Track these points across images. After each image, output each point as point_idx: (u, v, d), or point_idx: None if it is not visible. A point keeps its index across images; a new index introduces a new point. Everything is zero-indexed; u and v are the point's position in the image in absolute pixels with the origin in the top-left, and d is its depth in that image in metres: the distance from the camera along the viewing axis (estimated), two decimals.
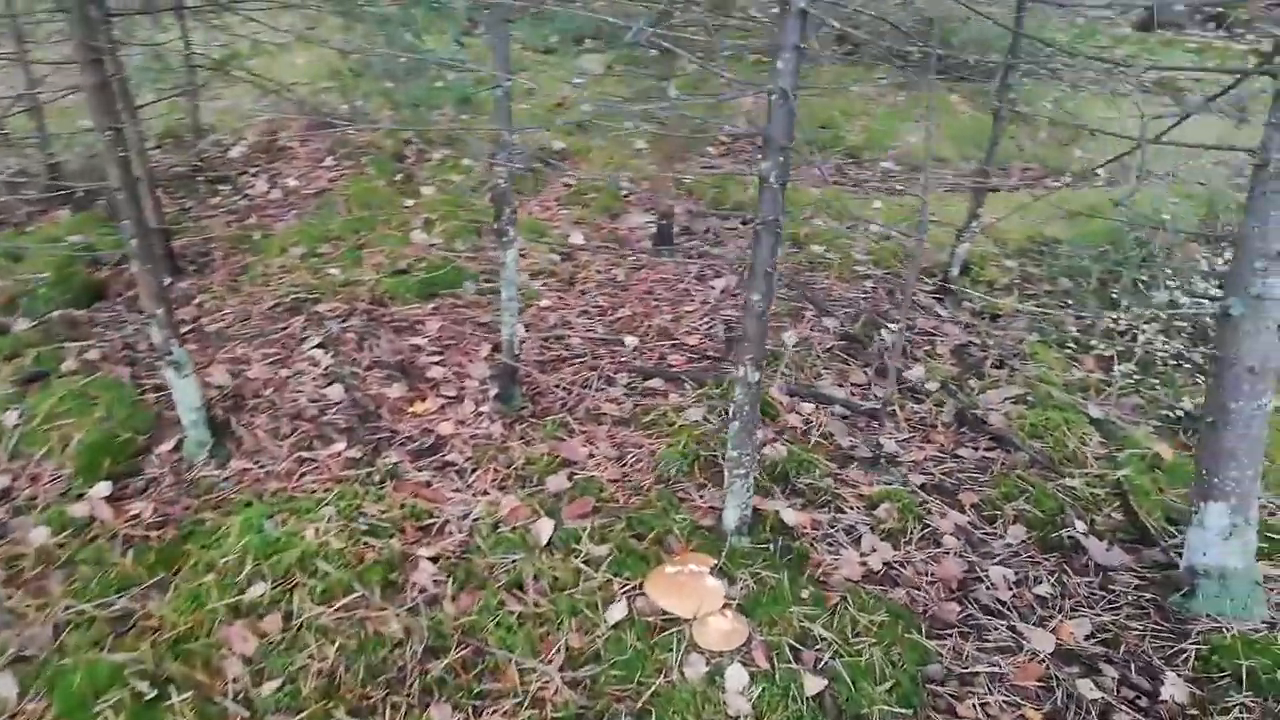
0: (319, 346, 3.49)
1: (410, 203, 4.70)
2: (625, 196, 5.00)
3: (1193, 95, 7.23)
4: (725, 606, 2.34)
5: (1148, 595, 2.54)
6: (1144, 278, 3.91)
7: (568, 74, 6.81)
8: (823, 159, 6.12)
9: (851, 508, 2.84)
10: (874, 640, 2.31)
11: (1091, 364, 3.82)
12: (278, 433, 3.07)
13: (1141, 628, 2.43)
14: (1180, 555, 2.65)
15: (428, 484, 2.88)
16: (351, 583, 2.43)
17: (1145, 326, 3.80)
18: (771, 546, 2.63)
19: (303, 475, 2.89)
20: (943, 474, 3.05)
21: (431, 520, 2.72)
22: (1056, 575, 2.64)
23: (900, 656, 2.28)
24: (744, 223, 4.77)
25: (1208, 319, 3.58)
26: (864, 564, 2.63)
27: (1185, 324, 3.77)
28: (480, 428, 3.17)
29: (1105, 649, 2.37)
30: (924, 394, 3.48)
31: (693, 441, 3.03)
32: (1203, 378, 3.61)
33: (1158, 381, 3.56)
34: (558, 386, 3.40)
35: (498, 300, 3.83)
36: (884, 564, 2.63)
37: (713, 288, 4.05)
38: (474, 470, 2.96)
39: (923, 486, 2.97)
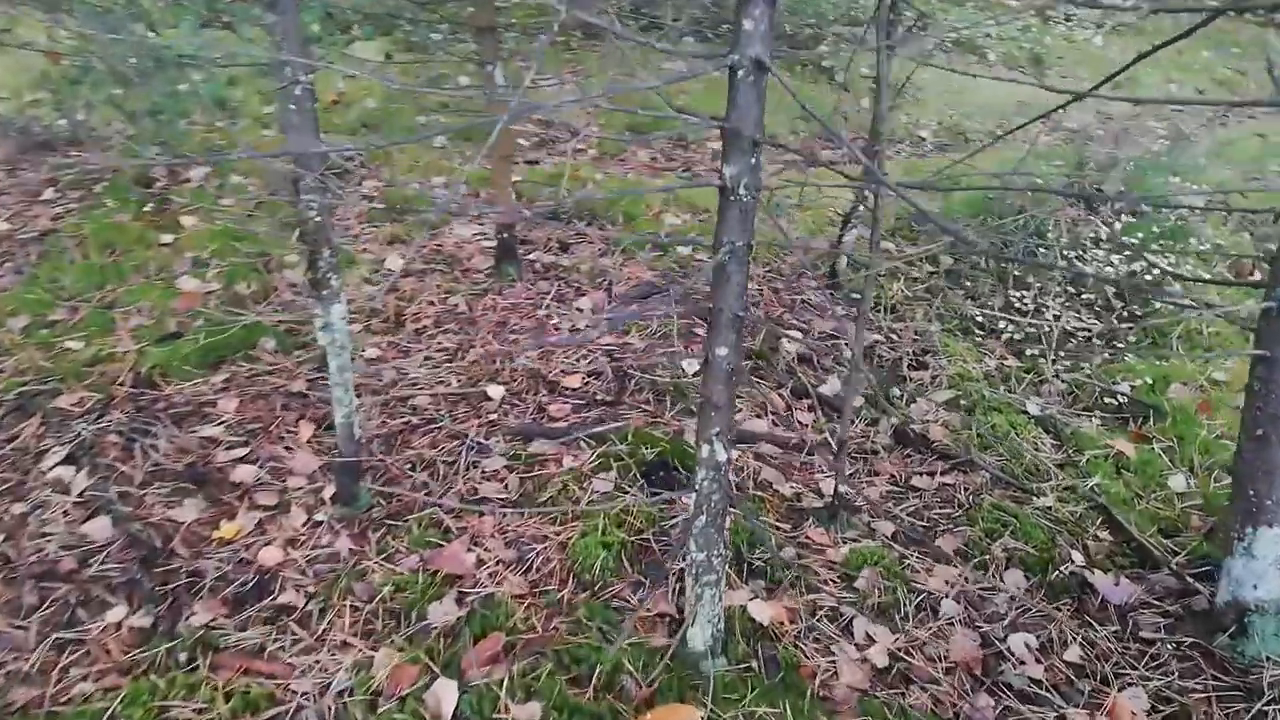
0: (66, 462, 2.51)
1: (169, 239, 3.68)
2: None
3: (989, 55, 7.29)
4: None
5: (1188, 640, 2.14)
6: (1041, 249, 3.61)
7: (339, 66, 5.84)
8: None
9: (826, 583, 2.27)
10: None
11: (1002, 350, 3.47)
12: (18, 607, 2.11)
13: (1202, 687, 2.01)
14: (1195, 579, 2.29)
15: (260, 650, 2.04)
16: None
17: (1051, 302, 3.50)
18: (755, 664, 2.01)
19: (65, 671, 1.96)
20: (909, 515, 2.55)
21: (277, 709, 1.89)
22: (1080, 631, 2.19)
23: None
24: (588, 224, 4.10)
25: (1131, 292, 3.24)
26: (865, 660, 2.07)
27: (1092, 295, 3.49)
28: (320, 546, 2.34)
29: None
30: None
31: (611, 523, 2.36)
32: (1131, 357, 3.33)
33: (1085, 365, 3.25)
34: (414, 468, 2.62)
35: (310, 360, 2.98)
36: (889, 656, 2.08)
37: (579, 309, 3.36)
38: (323, 614, 2.14)
39: (894, 537, 2.45)
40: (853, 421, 2.92)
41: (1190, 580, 2.29)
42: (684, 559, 1.86)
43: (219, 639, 2.05)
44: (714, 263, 1.56)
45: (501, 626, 2.09)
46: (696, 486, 1.79)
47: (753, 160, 1.50)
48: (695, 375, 2.99)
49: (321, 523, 2.40)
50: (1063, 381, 3.22)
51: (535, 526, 2.40)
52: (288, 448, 2.65)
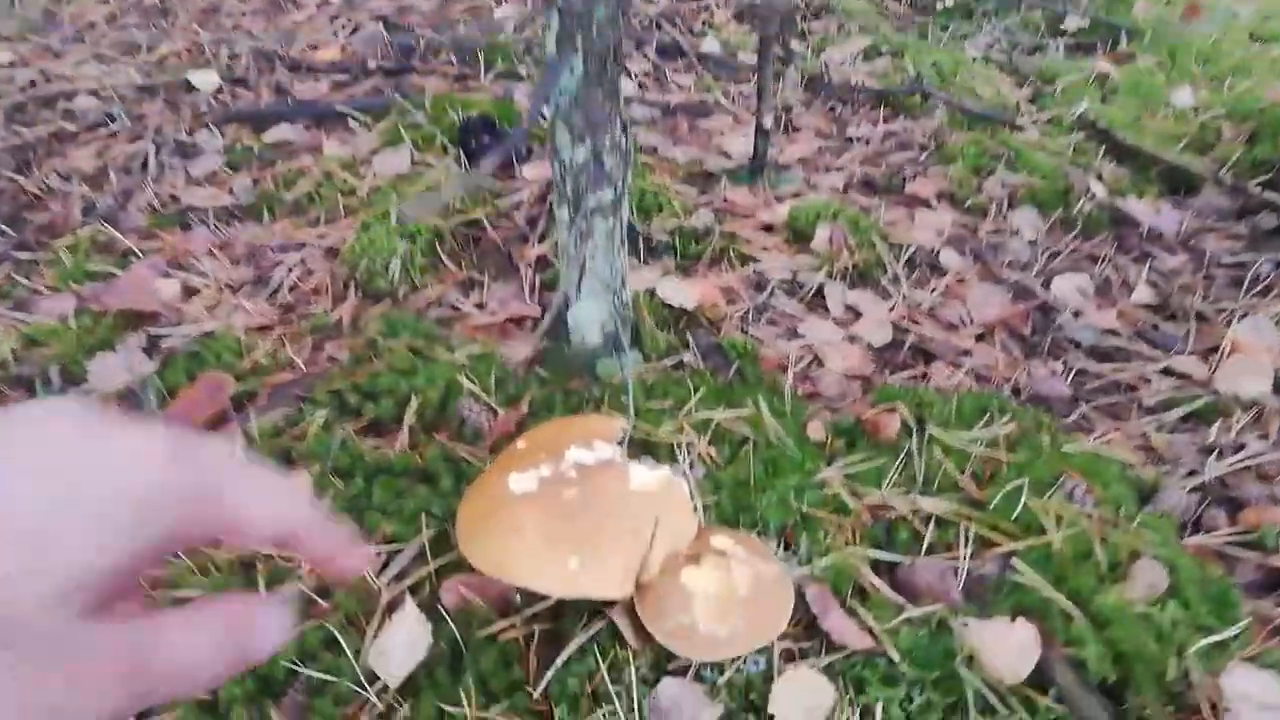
0: None
1: None
2: None
3: None
4: (705, 532, 0.85)
5: None
6: None
7: None
8: None
9: (766, 248, 1.44)
10: (1020, 475, 0.97)
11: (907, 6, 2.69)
12: None
13: None
14: (1262, 188, 1.63)
15: None
16: None
17: None
18: (692, 359, 1.17)
19: None
20: (862, 164, 1.74)
21: None
22: (1143, 261, 1.48)
23: (1096, 496, 0.97)
24: None
25: None
26: (855, 340, 1.27)
27: None
28: None
29: None
30: (739, 68, 2.11)
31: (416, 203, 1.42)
32: None
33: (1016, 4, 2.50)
34: (68, 181, 1.56)
35: None
36: (893, 326, 1.29)
37: None
38: None
39: (847, 189, 1.65)
40: (743, 78, 2.07)
41: (1255, 191, 1.62)
42: (548, 157, 0.96)
43: None
44: None
45: (229, 367, 1.15)
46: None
47: None
48: (519, 31, 2.02)
49: None
50: (994, 28, 2.48)
51: (284, 233, 1.43)
52: None
